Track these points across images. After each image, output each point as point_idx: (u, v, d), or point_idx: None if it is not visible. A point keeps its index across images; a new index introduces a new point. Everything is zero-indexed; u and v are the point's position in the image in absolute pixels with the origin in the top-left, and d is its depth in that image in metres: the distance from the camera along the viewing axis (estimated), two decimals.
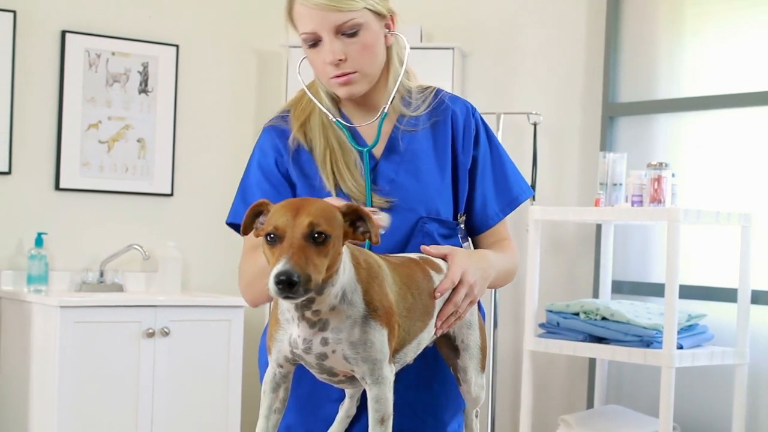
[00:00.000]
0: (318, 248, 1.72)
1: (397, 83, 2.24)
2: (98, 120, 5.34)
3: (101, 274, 5.29)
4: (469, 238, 2.35)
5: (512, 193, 2.33)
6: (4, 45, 5.09)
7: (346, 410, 2.18)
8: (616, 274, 5.24)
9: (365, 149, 2.22)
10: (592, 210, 4.74)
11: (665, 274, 4.35)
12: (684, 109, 5.09)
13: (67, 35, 5.25)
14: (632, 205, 4.62)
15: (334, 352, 1.82)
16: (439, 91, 2.33)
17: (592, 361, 5.20)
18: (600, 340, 4.59)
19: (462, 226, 2.28)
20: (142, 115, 5.46)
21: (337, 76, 2.16)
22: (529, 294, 4.83)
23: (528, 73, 5.58)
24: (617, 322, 4.51)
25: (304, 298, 1.74)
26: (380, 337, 1.83)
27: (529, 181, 5.25)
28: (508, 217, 2.34)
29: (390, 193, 2.20)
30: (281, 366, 1.91)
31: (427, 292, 2.01)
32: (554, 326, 4.74)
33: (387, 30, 2.22)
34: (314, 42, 2.15)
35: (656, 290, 4.97)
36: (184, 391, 4.88)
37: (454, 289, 2.05)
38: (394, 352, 1.92)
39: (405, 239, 2.19)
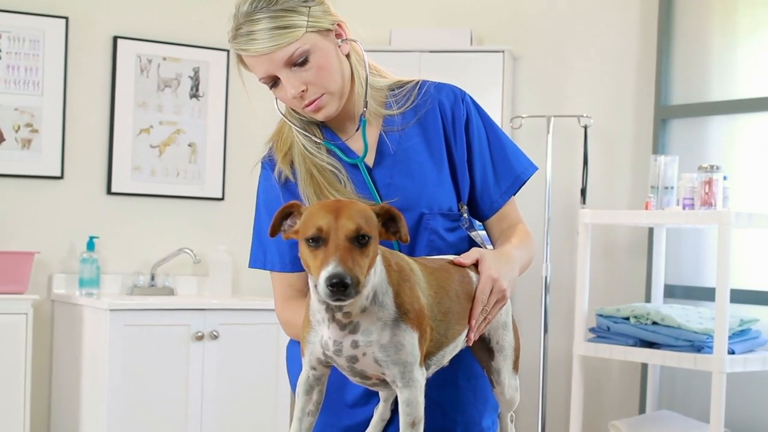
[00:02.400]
0: (361, 250, 1.72)
1: (365, 88, 2.21)
2: (149, 125, 5.38)
3: (152, 278, 5.32)
4: (482, 225, 2.32)
5: (515, 172, 2.30)
6: (57, 51, 5.15)
7: (380, 414, 2.17)
8: (669, 278, 5.18)
9: (358, 160, 2.21)
10: (642, 213, 4.68)
11: (716, 278, 4.29)
12: (738, 111, 5.03)
13: (119, 41, 5.30)
14: (683, 209, 4.57)
15: (364, 355, 1.82)
16: (423, 83, 2.29)
17: (644, 366, 5.15)
18: (651, 344, 4.54)
19: (466, 215, 2.25)
20: (193, 119, 5.49)
21: (307, 105, 2.15)
22: (579, 298, 4.79)
23: (579, 76, 5.54)
24: (668, 326, 4.46)
25: (351, 301, 1.74)
26: (411, 339, 1.82)
27: (579, 185, 5.21)
28: (523, 200, 2.29)
29: (388, 196, 2.18)
30: (314, 368, 1.90)
31: (466, 294, 2.00)
32: (604, 331, 4.70)
33: (339, 39, 2.18)
34: (273, 83, 2.14)
35: (709, 294, 4.91)
36: (233, 395, 4.90)
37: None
38: (431, 355, 1.91)
39: (411, 238, 2.16)
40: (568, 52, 5.57)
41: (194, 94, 5.49)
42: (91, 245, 5.11)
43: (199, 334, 4.80)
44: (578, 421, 4.79)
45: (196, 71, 5.48)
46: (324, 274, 1.68)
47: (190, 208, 5.51)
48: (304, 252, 1.76)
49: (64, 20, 5.16)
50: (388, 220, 1.82)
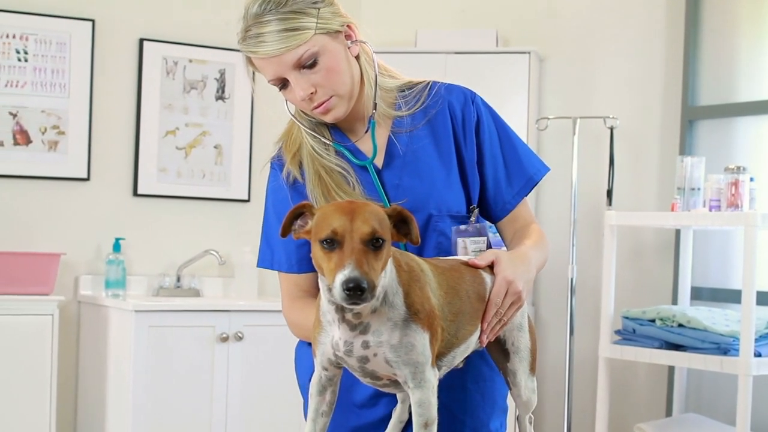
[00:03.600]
0: (375, 253, 1.72)
1: (375, 90, 2.20)
2: (175, 126, 5.40)
3: (178, 279, 5.34)
4: (495, 226, 2.31)
5: (527, 173, 2.28)
6: (83, 53, 5.17)
7: (398, 415, 2.16)
8: (696, 280, 5.14)
9: (367, 162, 2.20)
10: (669, 215, 4.65)
11: (742, 280, 4.26)
12: (765, 112, 4.99)
13: (145, 43, 5.32)
14: (710, 210, 4.53)
15: (375, 355, 1.81)
16: (433, 84, 2.28)
17: (671, 369, 5.12)
18: (677, 347, 4.51)
19: (473, 218, 2.23)
20: (218, 121, 5.50)
21: (316, 107, 2.14)
22: (605, 300, 4.77)
23: (605, 77, 5.52)
24: (694, 329, 4.43)
25: (367, 305, 1.73)
26: (421, 340, 1.81)
27: (605, 187, 5.18)
28: (534, 199, 2.27)
29: (397, 197, 2.17)
30: (326, 369, 1.90)
31: (477, 295, 1.99)
32: (630, 333, 4.67)
33: (349, 41, 2.17)
34: (282, 84, 2.14)
35: (736, 297, 4.86)
36: (258, 396, 4.90)
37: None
38: (441, 356, 1.90)
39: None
40: (594, 53, 5.54)
41: (220, 96, 5.50)
42: (117, 247, 5.14)
43: (224, 335, 4.81)
44: (604, 423, 4.76)
45: (222, 73, 5.49)
46: (340, 277, 1.67)
47: (216, 210, 5.52)
48: (317, 253, 1.75)
49: (90, 23, 5.19)
50: (399, 221, 1.82)
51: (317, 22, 2.09)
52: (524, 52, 5.44)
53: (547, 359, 5.58)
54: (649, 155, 5.40)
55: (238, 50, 2.18)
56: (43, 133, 5.09)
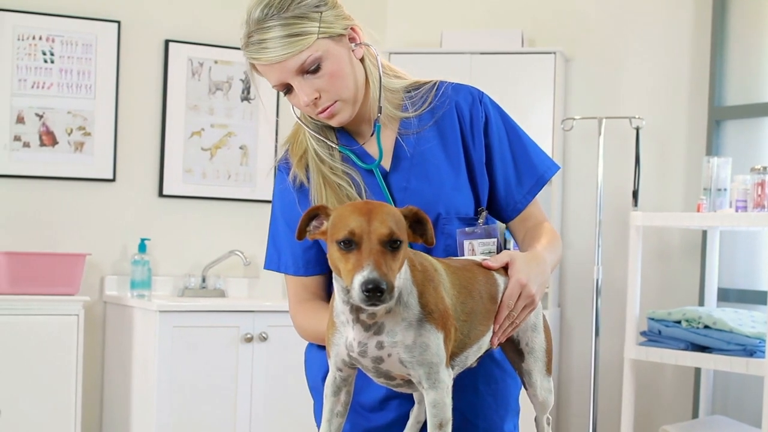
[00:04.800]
0: (393, 254, 1.72)
1: (380, 92, 2.18)
2: (201, 127, 5.42)
3: (203, 280, 5.35)
4: (506, 227, 2.29)
5: (537, 172, 2.26)
6: (109, 55, 5.19)
7: (415, 416, 2.15)
8: (723, 282, 5.11)
9: (373, 165, 2.18)
10: (694, 216, 4.63)
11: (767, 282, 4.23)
12: None
13: (170, 44, 5.34)
14: (736, 211, 4.50)
15: (389, 356, 1.81)
16: (440, 85, 2.25)
17: (697, 370, 5.09)
18: (703, 348, 4.48)
19: (481, 221, 2.21)
20: (244, 122, 5.51)
21: (321, 112, 2.12)
22: (631, 301, 4.74)
23: (631, 77, 5.49)
24: (720, 330, 4.40)
25: (386, 306, 1.73)
26: (436, 340, 1.81)
27: (631, 187, 5.15)
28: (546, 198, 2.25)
29: (404, 201, 2.15)
30: (340, 369, 1.90)
31: (489, 295, 1.98)
32: (656, 334, 4.65)
33: (352, 44, 2.14)
34: (287, 89, 2.11)
35: (763, 298, 4.84)
36: (282, 396, 4.90)
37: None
38: (454, 355, 1.89)
39: None
40: (620, 53, 5.52)
41: (245, 96, 5.52)
42: (142, 247, 5.16)
43: (249, 335, 4.81)
44: (629, 425, 4.74)
45: (247, 74, 5.49)
46: (359, 278, 1.67)
47: (241, 211, 5.53)
48: (334, 254, 1.74)
49: (116, 24, 5.21)
50: (414, 222, 1.81)
51: (320, 27, 2.06)
52: (550, 53, 5.42)
53: (573, 360, 5.56)
54: (675, 156, 5.37)
55: None
56: (69, 134, 5.12)
